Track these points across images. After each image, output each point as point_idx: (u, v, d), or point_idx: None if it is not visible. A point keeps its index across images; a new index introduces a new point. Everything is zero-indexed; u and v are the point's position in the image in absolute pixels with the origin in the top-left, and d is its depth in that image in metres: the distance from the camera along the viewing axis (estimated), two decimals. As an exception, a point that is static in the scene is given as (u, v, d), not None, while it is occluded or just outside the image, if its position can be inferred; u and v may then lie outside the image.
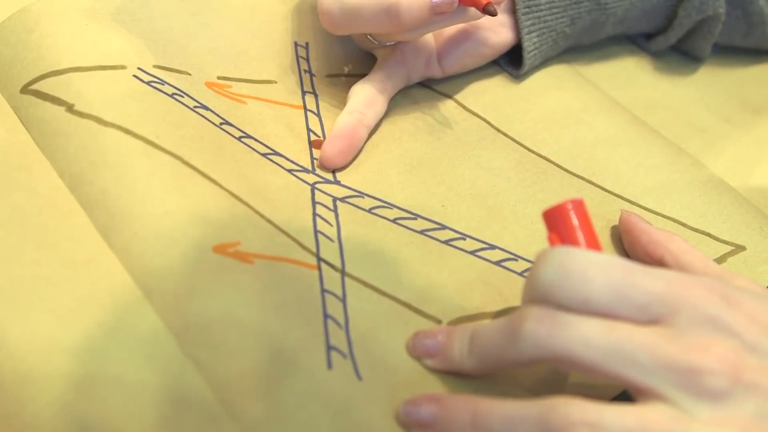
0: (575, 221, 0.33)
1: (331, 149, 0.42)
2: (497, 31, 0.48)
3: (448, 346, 0.34)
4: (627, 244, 0.41)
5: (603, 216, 0.43)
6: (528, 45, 0.49)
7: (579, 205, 0.33)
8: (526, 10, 0.48)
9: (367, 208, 0.41)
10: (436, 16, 0.41)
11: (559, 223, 0.33)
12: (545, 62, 0.52)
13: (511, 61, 0.51)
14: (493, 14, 0.40)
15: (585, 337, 0.29)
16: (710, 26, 0.53)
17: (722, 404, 0.28)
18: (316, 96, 0.47)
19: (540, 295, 0.31)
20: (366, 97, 0.44)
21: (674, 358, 0.29)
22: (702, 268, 0.37)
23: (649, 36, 0.56)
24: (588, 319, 0.30)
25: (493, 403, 0.31)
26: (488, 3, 0.41)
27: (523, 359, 0.31)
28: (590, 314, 0.30)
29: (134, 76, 0.42)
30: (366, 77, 0.45)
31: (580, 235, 0.33)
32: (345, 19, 0.42)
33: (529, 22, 0.48)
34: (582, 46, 0.53)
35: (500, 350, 0.32)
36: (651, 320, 0.30)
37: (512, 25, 0.49)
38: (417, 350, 0.35)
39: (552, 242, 0.33)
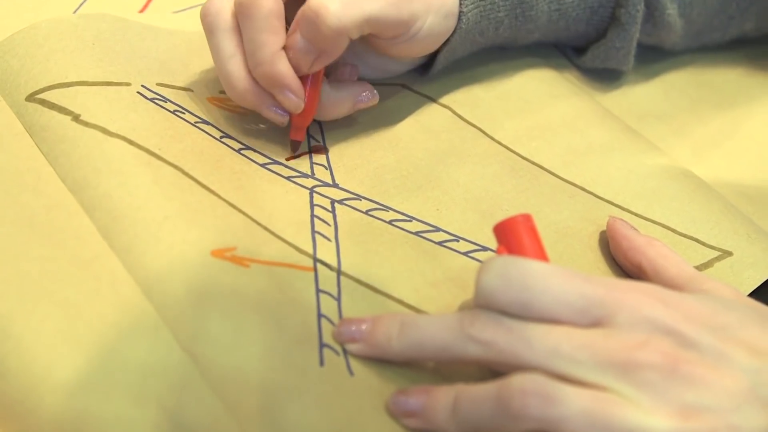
0: (521, 234, 0.35)
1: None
2: None
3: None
4: (611, 250, 0.42)
5: (594, 221, 0.44)
6: (443, 54, 0.48)
7: (527, 220, 0.36)
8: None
9: (364, 210, 0.42)
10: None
11: (507, 236, 0.35)
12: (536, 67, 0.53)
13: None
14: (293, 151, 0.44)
15: (526, 340, 0.31)
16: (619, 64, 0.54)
17: (662, 395, 0.30)
18: (317, 102, 0.48)
19: (483, 301, 0.33)
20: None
21: (612, 354, 0.30)
22: (676, 271, 0.38)
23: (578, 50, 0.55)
24: (530, 323, 0.32)
25: (467, 389, 0.32)
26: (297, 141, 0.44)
27: (467, 358, 0.33)
28: (532, 319, 0.32)
29: (138, 92, 0.44)
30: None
31: (525, 247, 0.35)
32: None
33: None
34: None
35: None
36: (591, 323, 0.32)
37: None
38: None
39: (500, 253, 0.35)
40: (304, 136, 0.44)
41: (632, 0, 0.50)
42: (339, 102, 0.45)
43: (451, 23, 0.45)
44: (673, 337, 0.31)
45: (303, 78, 0.42)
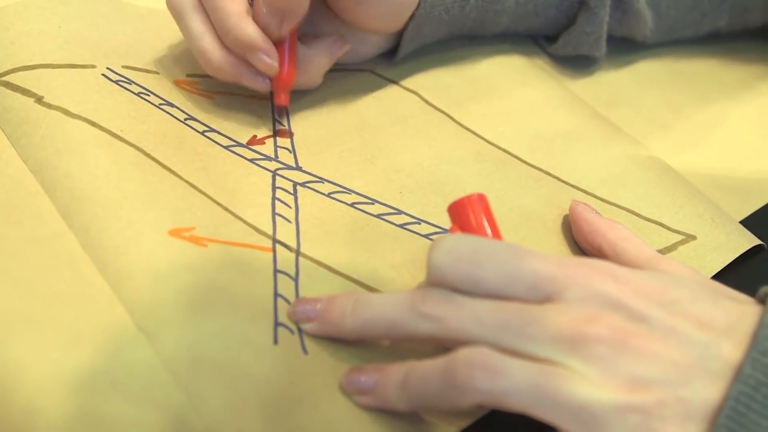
0: (474, 213, 0.35)
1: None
2: None
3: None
4: (573, 233, 0.42)
5: (558, 205, 0.44)
6: (409, 32, 0.48)
7: (481, 199, 0.36)
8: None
9: (326, 193, 0.42)
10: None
11: (460, 215, 0.35)
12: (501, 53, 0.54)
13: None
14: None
15: (476, 316, 0.31)
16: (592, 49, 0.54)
17: (610, 368, 0.30)
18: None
19: (435, 278, 0.33)
20: None
21: (561, 329, 0.30)
22: (636, 253, 0.38)
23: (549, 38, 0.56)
24: (480, 299, 0.32)
25: (418, 364, 0.32)
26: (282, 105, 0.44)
27: (418, 335, 0.33)
28: (483, 295, 0.32)
29: (102, 74, 0.44)
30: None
31: (479, 226, 0.35)
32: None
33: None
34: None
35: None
36: (542, 299, 0.32)
37: None
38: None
39: (452, 232, 0.35)
40: (288, 100, 0.44)
41: None
42: (316, 57, 0.45)
43: None
44: (622, 311, 0.31)
45: (278, 44, 0.42)
